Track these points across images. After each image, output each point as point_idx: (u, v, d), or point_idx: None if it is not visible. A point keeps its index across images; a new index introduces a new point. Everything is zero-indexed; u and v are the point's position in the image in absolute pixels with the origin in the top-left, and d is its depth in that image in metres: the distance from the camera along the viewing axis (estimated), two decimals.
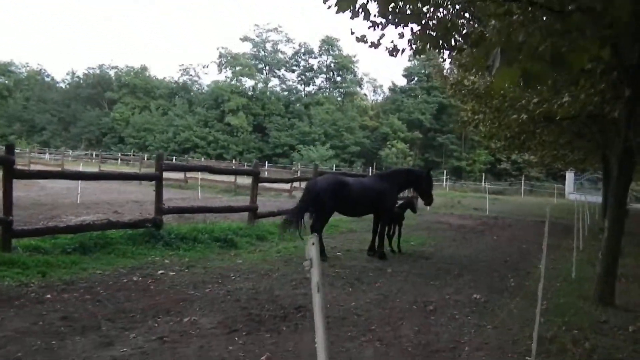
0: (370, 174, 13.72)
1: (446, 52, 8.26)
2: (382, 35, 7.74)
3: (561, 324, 6.66)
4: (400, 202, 13.03)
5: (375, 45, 7.80)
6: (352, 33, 7.68)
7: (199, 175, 29.36)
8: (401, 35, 7.85)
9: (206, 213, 14.53)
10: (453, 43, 7.47)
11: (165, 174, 30.37)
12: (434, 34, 7.18)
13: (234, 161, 61.60)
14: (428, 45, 7.40)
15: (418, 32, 7.43)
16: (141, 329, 5.96)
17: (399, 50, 7.95)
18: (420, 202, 13.92)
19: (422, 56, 8.71)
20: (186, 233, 11.64)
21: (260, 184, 27.02)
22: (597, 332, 6.53)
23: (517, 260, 12.41)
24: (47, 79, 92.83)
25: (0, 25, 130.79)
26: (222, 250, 11.22)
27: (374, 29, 7.21)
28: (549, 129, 17.16)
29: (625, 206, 7.50)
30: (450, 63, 13.06)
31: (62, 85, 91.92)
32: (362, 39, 7.75)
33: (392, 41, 7.95)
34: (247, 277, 8.90)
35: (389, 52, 7.98)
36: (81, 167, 35.24)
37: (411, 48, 7.87)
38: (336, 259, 11.23)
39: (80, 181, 20.51)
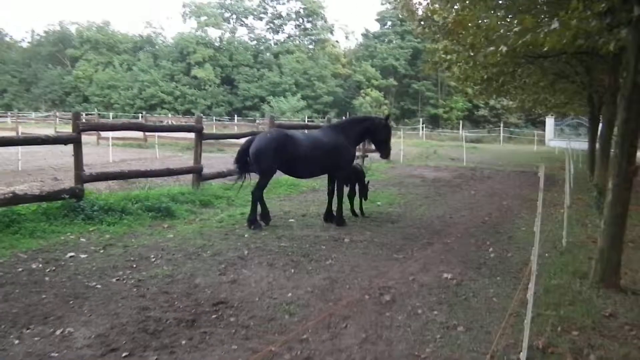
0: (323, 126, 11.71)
1: None
2: None
3: (556, 322, 5.00)
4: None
5: None
6: None
7: (156, 133, 27.36)
8: None
9: (140, 178, 12.66)
10: None
11: (125, 134, 29.27)
12: None
13: (202, 116, 59.20)
14: None
15: None
16: None
17: None
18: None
19: None
20: (113, 203, 9.93)
21: (226, 140, 25.41)
22: (603, 333, 4.85)
23: (497, 221, 10.79)
24: (6, 39, 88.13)
25: None
26: (155, 222, 9.61)
27: None
28: (529, 70, 15.45)
29: (634, 160, 5.79)
30: None
31: (23, 45, 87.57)
32: None
33: None
34: (171, 258, 7.33)
35: None
36: (41, 130, 33.30)
37: None
38: (287, 227, 9.61)
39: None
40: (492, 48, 7.07)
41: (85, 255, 7.23)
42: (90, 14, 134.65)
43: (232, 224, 9.62)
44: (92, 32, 79.04)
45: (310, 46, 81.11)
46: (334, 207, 10.06)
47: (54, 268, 6.63)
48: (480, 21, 8.66)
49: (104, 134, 29.15)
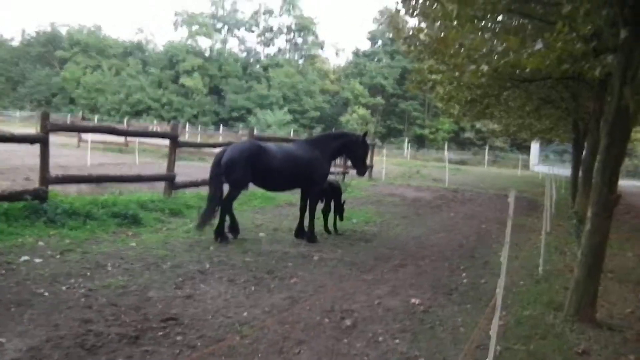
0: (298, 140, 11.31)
1: None
2: None
3: (524, 358, 4.66)
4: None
5: None
6: None
7: (137, 138, 26.96)
8: None
9: (109, 182, 12.26)
10: None
11: (105, 137, 28.82)
12: None
13: (187, 125, 58.61)
14: None
15: None
16: None
17: None
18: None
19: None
20: (78, 207, 9.50)
21: (208, 149, 24.96)
22: None
23: (474, 245, 10.47)
24: None
25: None
26: (120, 229, 9.17)
27: None
28: (514, 94, 15.24)
29: (616, 188, 5.49)
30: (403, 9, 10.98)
31: (14, 44, 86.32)
32: None
33: None
34: (128, 267, 6.93)
35: None
36: (24, 130, 32.74)
37: None
38: (255, 241, 9.22)
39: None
40: (473, 67, 6.78)
41: (40, 260, 6.84)
42: (82, 17, 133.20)
43: (199, 235, 9.21)
44: (83, 35, 78.32)
45: (300, 61, 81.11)
46: (307, 223, 9.72)
47: (3, 272, 6.23)
48: (464, 40, 8.37)
49: (84, 136, 28.68)
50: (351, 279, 7.17)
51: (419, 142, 68.35)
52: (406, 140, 60.13)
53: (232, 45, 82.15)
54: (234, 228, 9.39)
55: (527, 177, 37.36)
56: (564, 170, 28.15)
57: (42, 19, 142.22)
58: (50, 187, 9.53)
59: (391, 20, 13.69)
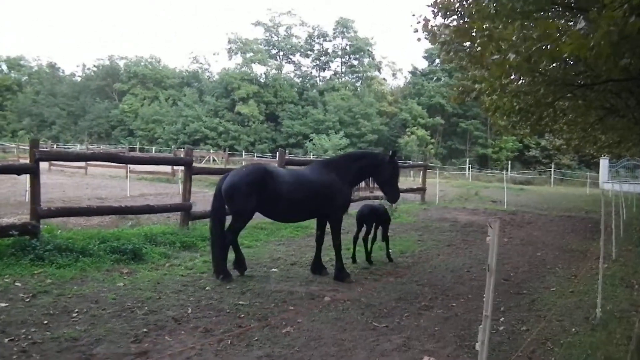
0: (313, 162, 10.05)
1: None
2: None
3: None
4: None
5: None
6: None
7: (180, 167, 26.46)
8: None
9: (111, 215, 11.34)
10: None
11: (153, 168, 28.53)
12: None
13: (243, 153, 58.26)
14: None
15: None
16: None
17: None
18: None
19: None
20: (73, 242, 8.66)
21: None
22: None
23: (523, 278, 8.84)
24: (58, 73, 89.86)
25: (11, 20, 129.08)
26: (117, 266, 8.26)
27: None
28: (573, 103, 13.58)
29: None
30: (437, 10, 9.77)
31: (76, 78, 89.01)
32: None
33: None
34: (96, 314, 5.96)
35: None
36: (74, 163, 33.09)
37: None
38: (263, 278, 8.05)
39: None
40: (497, 56, 5.40)
41: (6, 305, 6.03)
42: (140, 49, 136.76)
43: (202, 272, 8.14)
44: (140, 67, 79.83)
45: (358, 83, 79.86)
46: (330, 257, 8.50)
47: None
48: (490, 29, 7.00)
49: (132, 167, 28.54)
50: (358, 328, 5.84)
51: (482, 162, 65.84)
52: (467, 161, 57.80)
53: (288, 70, 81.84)
54: (240, 263, 8.22)
55: (596, 195, 34.72)
56: (637, 187, 25.75)
57: (101, 53, 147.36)
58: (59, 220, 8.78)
59: (425, 24, 12.28)
